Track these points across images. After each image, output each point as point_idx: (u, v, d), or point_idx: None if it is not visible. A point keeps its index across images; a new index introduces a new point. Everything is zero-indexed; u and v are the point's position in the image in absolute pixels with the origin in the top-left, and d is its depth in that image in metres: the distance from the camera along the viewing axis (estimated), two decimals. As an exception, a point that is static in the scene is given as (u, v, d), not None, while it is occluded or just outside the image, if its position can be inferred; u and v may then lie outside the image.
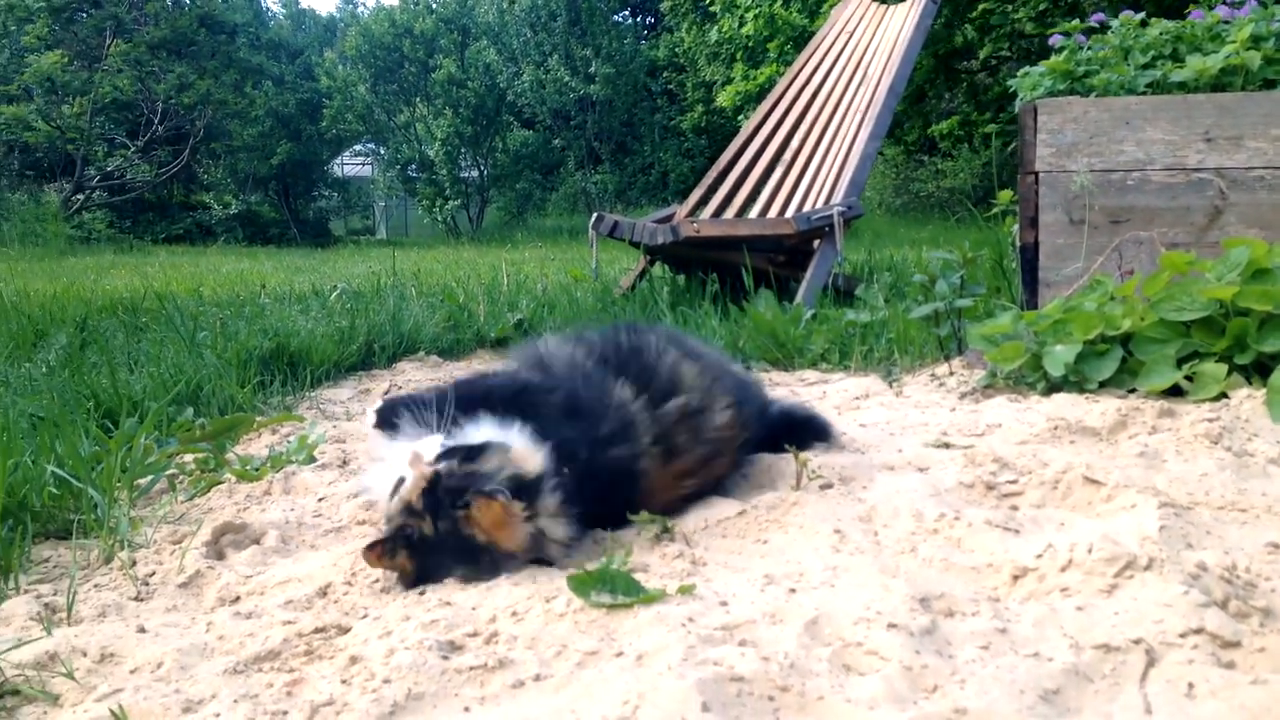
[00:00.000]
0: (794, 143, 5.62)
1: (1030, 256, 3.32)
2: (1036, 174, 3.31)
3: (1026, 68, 3.70)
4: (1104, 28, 3.70)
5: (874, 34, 5.68)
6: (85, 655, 1.45)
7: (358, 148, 29.72)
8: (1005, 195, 4.11)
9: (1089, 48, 3.59)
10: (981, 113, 18.59)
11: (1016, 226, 3.70)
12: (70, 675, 1.39)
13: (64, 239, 18.86)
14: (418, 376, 4.11)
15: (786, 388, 3.42)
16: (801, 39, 17.40)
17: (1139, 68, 3.43)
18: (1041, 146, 3.30)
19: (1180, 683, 1.22)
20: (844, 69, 5.66)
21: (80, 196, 22.24)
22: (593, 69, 23.00)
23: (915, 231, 14.66)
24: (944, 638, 1.34)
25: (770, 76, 18.13)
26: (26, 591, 1.75)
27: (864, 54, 5.62)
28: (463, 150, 24.30)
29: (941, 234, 11.58)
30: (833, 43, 5.90)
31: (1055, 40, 3.96)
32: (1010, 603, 1.46)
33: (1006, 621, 1.38)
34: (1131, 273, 3.08)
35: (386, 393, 3.71)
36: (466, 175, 25.00)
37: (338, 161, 30.64)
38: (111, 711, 1.24)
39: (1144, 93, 3.40)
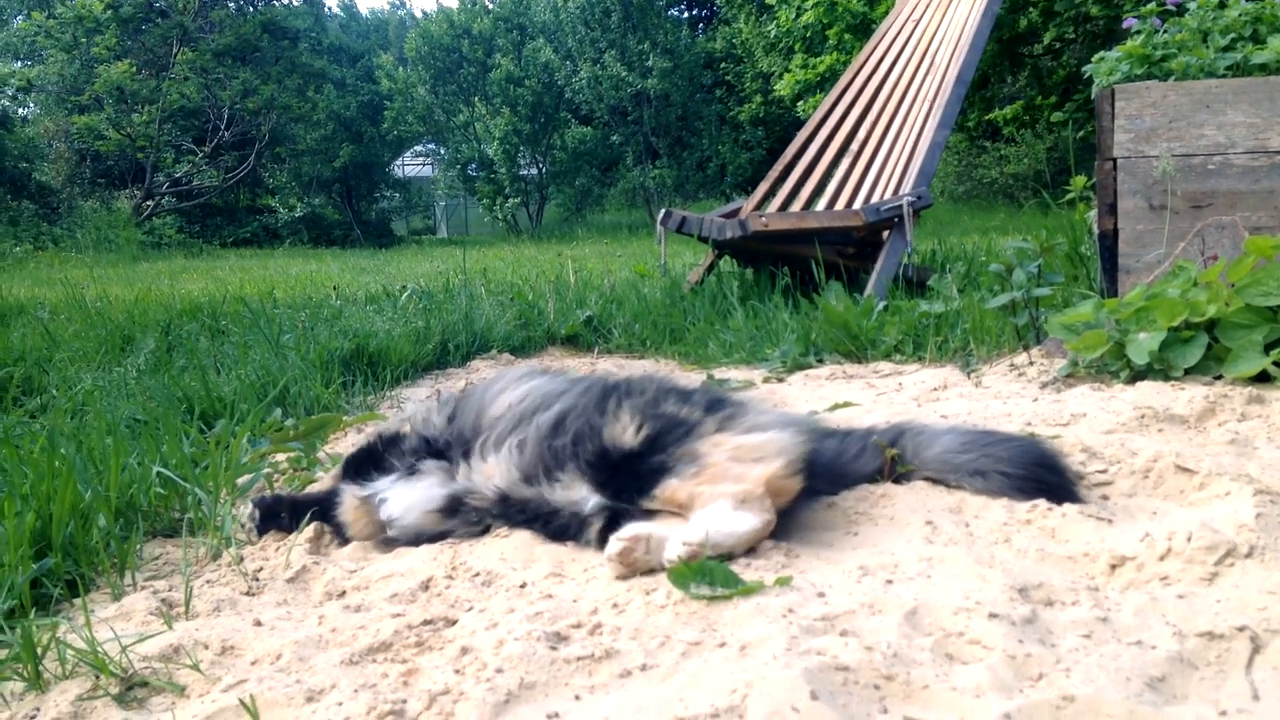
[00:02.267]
0: (860, 133, 5.60)
1: (1109, 243, 3.29)
2: (1115, 160, 3.28)
3: (1102, 52, 3.65)
4: (1180, 10, 3.64)
5: (940, 22, 5.63)
6: (207, 648, 1.52)
7: (418, 148, 30.08)
8: (1079, 181, 4.06)
9: (1165, 31, 3.54)
10: (1046, 97, 18.30)
11: (1093, 213, 3.66)
12: (195, 667, 1.45)
13: (136, 245, 19.36)
14: (492, 375, 4.16)
15: (862, 380, 3.43)
16: (861, 26, 17.26)
17: (1218, 50, 3.37)
18: (1120, 132, 3.26)
19: (1288, 670, 1.22)
20: (910, 58, 5.62)
21: (150, 203, 22.79)
22: (650, 63, 22.97)
23: (979, 219, 14.49)
24: (1045, 627, 1.35)
25: (830, 65, 18.00)
26: (143, 588, 1.82)
27: (931, 42, 5.57)
28: (521, 148, 24.49)
29: (1010, 222, 11.44)
30: (899, 31, 5.85)
31: (1130, 24, 3.90)
32: (1109, 592, 1.47)
33: (1107, 610, 1.39)
34: (1215, 258, 3.03)
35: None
36: (525, 173, 25.17)
37: (398, 162, 31.03)
38: (241, 701, 1.30)
39: (1224, 76, 3.34)
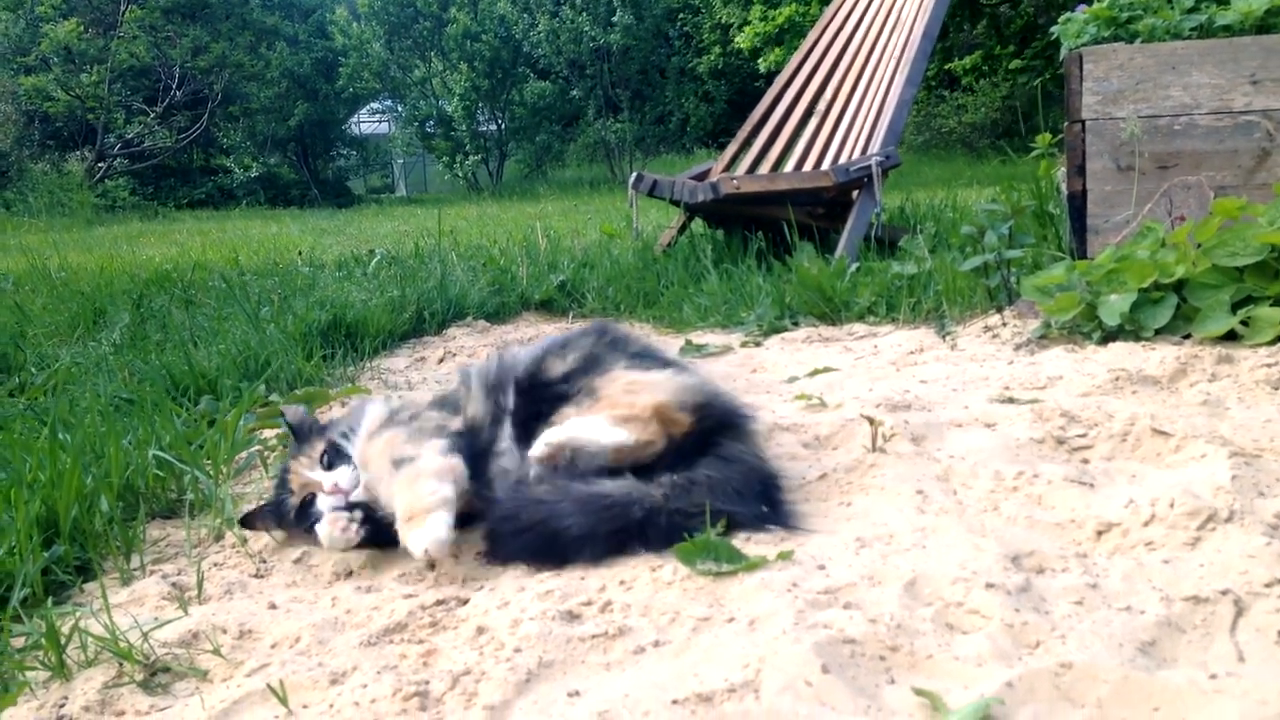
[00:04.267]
0: (828, 92, 5.61)
1: (1078, 204, 3.35)
2: (1083, 122, 3.33)
3: (1069, 14, 3.69)
4: (1146, -30, 3.69)
5: (905, -21, 5.64)
6: (225, 632, 1.55)
7: (374, 105, 29.64)
8: (1044, 139, 4.11)
9: (1131, -9, 3.58)
10: (1004, 46, 18.38)
11: (1062, 172, 3.72)
12: (217, 651, 1.49)
13: (90, 208, 19.00)
14: (469, 343, 4.18)
15: (839, 343, 3.48)
16: (821, -23, 17.19)
17: (1184, 11, 3.42)
18: (1088, 95, 3.32)
19: (1270, 631, 1.29)
20: (876, 15, 5.62)
21: (102, 165, 22.32)
22: (615, 18, 22.66)
23: (940, 169, 14.57)
24: (1039, 594, 1.42)
25: (789, 16, 17.95)
26: (152, 572, 1.85)
27: (896, -1, 5.59)
28: (480, 104, 24.19)
29: (972, 172, 11.52)
30: (863, -11, 5.86)
31: (1094, -18, 3.95)
32: (1097, 558, 1.53)
33: (1096, 577, 1.46)
34: (1183, 219, 3.10)
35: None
36: (485, 129, 24.90)
37: (354, 120, 30.57)
38: (269, 686, 1.34)
39: (1189, 37, 3.40)
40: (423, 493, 1.68)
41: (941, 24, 5.30)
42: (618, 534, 1.65)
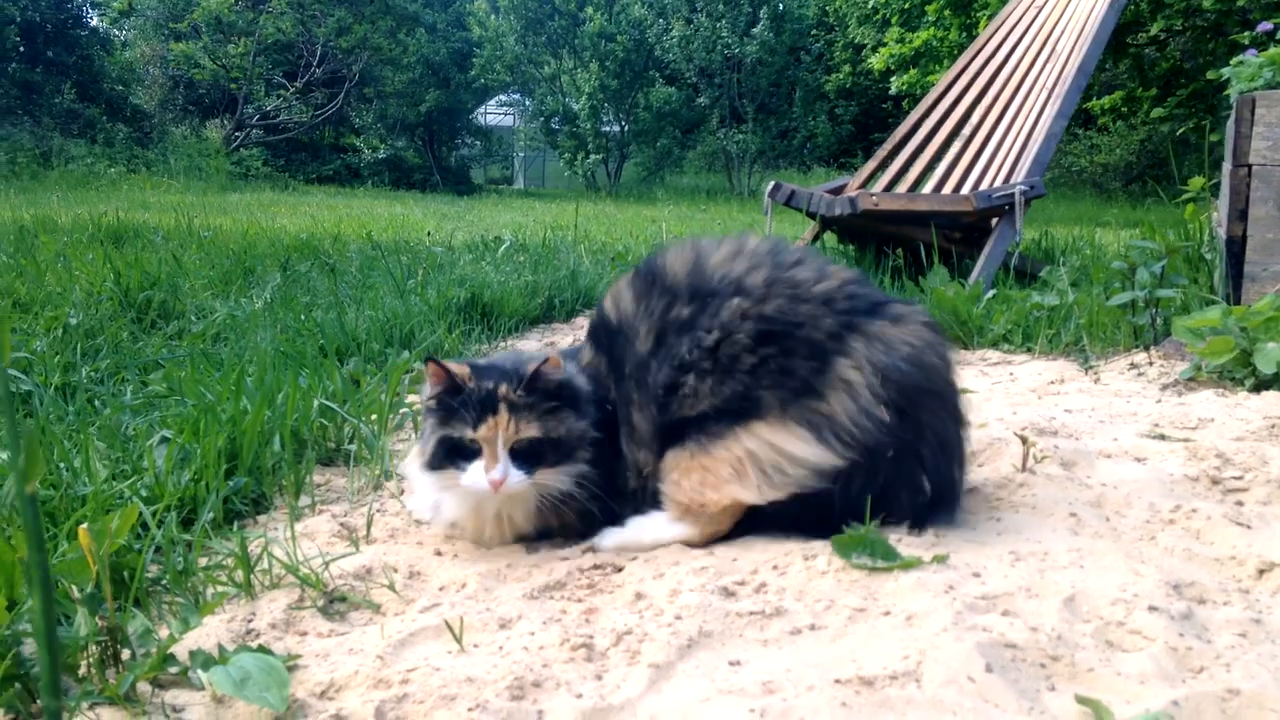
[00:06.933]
0: (974, 117, 5.57)
1: (1236, 250, 3.28)
2: (1250, 167, 3.26)
3: (1241, 57, 3.62)
4: (1327, 17, 3.60)
5: (1064, 10, 5.57)
6: (397, 571, 1.64)
7: (502, 98, 30.13)
8: (1197, 182, 4.04)
9: (1311, 38, 3.50)
10: (1146, 89, 17.88)
11: (1217, 216, 3.65)
12: (391, 587, 1.57)
13: (225, 175, 19.75)
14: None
15: (974, 367, 3.47)
16: (962, 3, 16.97)
17: (1367, 62, 3.34)
18: (1258, 139, 3.25)
19: None
20: (1031, 45, 5.57)
21: (239, 134, 23.16)
22: (755, 31, 22.70)
23: (1065, 207, 14.25)
24: (1200, 623, 1.41)
25: (926, 40, 17.75)
26: (320, 511, 1.95)
27: (1053, 30, 5.52)
28: (606, 104, 24.42)
29: (1102, 212, 11.26)
30: (1020, 17, 5.80)
31: (1265, 27, 3.87)
32: (1259, 595, 1.52)
33: (1259, 613, 1.45)
34: (1348, 274, 3.02)
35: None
36: (608, 129, 25.13)
37: (481, 110, 31.12)
38: (446, 623, 1.41)
39: (1370, 88, 3.31)
40: None
41: (1098, 60, 5.22)
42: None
